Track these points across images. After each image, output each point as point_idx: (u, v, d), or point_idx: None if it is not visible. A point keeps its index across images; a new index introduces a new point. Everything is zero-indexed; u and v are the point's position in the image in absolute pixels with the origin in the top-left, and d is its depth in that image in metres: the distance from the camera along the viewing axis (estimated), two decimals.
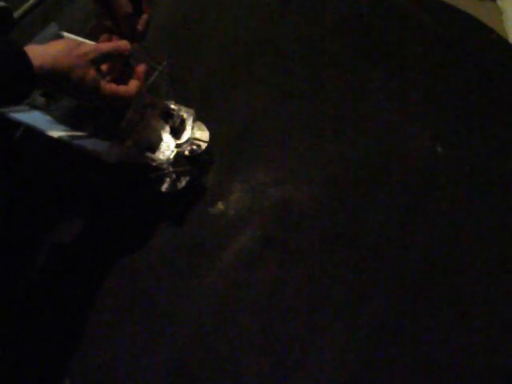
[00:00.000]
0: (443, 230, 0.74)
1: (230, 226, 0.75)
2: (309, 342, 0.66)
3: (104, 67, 0.57)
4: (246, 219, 0.75)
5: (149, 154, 0.66)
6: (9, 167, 0.79)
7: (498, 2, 1.05)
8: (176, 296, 0.69)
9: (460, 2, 1.00)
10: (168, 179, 0.71)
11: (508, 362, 0.65)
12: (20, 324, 0.68)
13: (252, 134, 0.83)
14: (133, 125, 0.64)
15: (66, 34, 0.69)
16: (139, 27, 0.64)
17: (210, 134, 0.74)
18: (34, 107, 0.65)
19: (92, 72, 0.52)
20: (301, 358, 0.65)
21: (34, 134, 0.64)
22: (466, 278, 0.71)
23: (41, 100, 0.65)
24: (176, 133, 0.69)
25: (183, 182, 0.71)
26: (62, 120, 0.65)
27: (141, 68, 0.60)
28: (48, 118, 0.65)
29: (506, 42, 0.97)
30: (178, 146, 0.68)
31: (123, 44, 0.56)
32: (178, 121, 0.69)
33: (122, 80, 0.58)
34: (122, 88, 0.56)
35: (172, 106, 0.69)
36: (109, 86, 0.54)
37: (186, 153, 0.70)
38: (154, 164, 0.67)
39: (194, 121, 0.70)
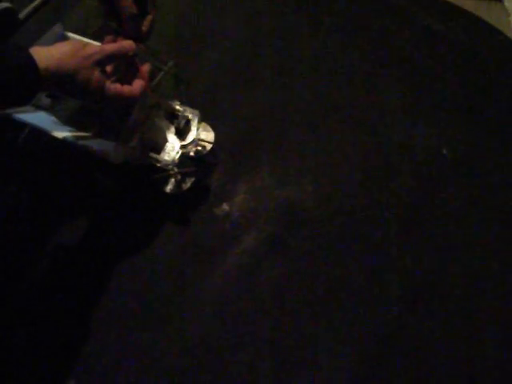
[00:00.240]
0: (450, 231, 0.74)
1: (234, 227, 0.74)
2: (314, 343, 0.66)
3: (109, 68, 0.57)
4: (250, 220, 0.75)
5: (154, 155, 0.66)
6: (14, 168, 0.79)
7: (506, 4, 1.04)
8: (180, 297, 0.69)
9: (467, 3, 0.99)
10: (173, 180, 0.70)
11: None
12: (26, 324, 0.68)
13: (257, 136, 0.83)
14: (138, 125, 0.64)
15: (71, 34, 0.69)
16: (144, 28, 0.64)
17: (215, 135, 0.74)
18: (39, 108, 0.65)
19: (97, 73, 0.52)
20: (306, 359, 0.64)
21: (39, 135, 0.64)
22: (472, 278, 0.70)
23: (46, 101, 0.65)
24: (181, 134, 0.69)
25: (188, 183, 0.71)
26: (67, 121, 0.65)
27: (145, 67, 0.60)
28: (53, 118, 0.65)
29: None
30: (183, 146, 0.68)
31: (128, 44, 0.56)
32: (183, 122, 0.69)
33: (127, 80, 0.58)
34: (126, 88, 0.56)
35: (177, 107, 0.69)
36: (113, 87, 0.54)
37: (191, 154, 0.70)
38: (158, 165, 0.67)
39: (199, 122, 0.70)
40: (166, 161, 0.66)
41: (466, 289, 0.69)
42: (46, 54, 0.47)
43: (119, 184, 0.78)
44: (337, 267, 0.71)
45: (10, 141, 0.77)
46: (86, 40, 0.67)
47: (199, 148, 0.71)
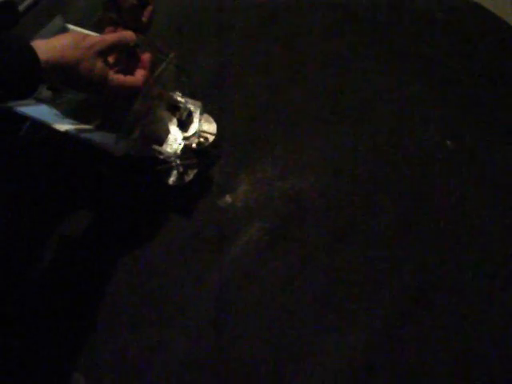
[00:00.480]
0: (451, 223, 0.73)
1: (237, 218, 0.75)
2: (316, 336, 0.66)
3: (111, 59, 0.56)
4: (253, 212, 0.75)
5: (156, 147, 0.66)
6: (16, 161, 0.79)
7: None
8: (184, 288, 0.69)
9: None
10: (175, 172, 0.70)
11: None
12: (32, 320, 0.69)
13: (259, 127, 0.83)
14: (140, 117, 0.64)
15: (71, 26, 0.69)
16: (144, 19, 0.64)
17: (218, 127, 0.74)
18: (41, 101, 0.65)
19: (100, 63, 0.51)
20: (308, 352, 0.65)
21: (41, 128, 0.64)
22: (470, 272, 0.70)
23: (47, 93, 0.65)
24: (183, 125, 0.69)
25: (191, 175, 0.71)
26: (69, 113, 0.65)
27: (146, 57, 0.60)
28: (55, 111, 0.65)
29: None
30: (185, 138, 0.68)
31: (128, 34, 0.56)
32: (186, 113, 0.68)
33: (129, 71, 0.57)
34: (129, 78, 0.56)
35: (179, 99, 0.69)
36: (116, 77, 0.54)
37: (194, 145, 0.70)
38: (161, 157, 0.67)
39: (201, 113, 0.70)
40: (169, 153, 0.66)
41: (469, 283, 0.69)
42: (47, 47, 0.47)
43: (121, 176, 0.78)
44: (338, 257, 0.71)
45: (12, 133, 0.77)
46: (86, 32, 0.67)
47: (201, 140, 0.71)
